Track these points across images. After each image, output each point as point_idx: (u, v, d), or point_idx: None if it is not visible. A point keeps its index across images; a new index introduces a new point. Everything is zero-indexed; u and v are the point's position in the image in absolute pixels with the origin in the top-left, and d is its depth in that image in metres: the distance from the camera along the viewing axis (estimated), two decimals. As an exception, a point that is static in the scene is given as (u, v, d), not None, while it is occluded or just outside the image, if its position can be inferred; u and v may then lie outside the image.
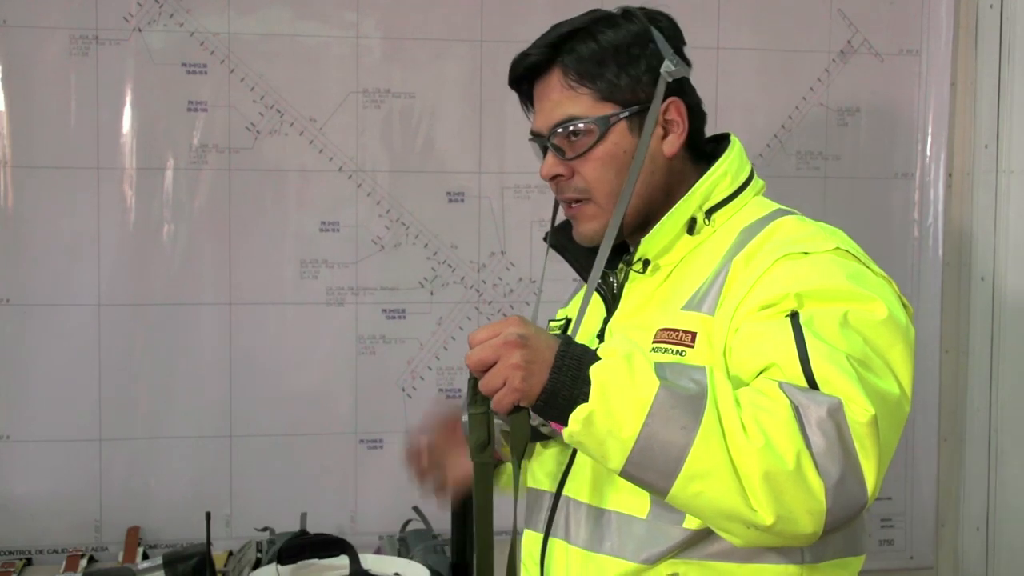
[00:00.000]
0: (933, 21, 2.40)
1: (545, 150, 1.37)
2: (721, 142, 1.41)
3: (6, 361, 2.13)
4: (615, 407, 1.10)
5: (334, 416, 2.24)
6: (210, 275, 2.18)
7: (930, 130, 2.41)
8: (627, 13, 1.36)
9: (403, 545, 2.11)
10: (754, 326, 1.20)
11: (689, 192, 1.33)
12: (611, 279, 1.39)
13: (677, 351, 1.25)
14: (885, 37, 2.39)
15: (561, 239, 1.43)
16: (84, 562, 2.10)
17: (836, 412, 1.08)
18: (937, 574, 2.46)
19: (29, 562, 2.13)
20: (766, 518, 1.08)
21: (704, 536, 1.24)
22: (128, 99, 2.14)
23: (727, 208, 1.34)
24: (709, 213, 1.33)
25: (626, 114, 1.32)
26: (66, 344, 2.14)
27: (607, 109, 1.32)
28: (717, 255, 1.30)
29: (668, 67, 1.32)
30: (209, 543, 1.83)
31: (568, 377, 1.12)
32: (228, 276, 2.19)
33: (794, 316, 1.18)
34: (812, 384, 1.12)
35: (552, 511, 1.36)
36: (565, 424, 1.12)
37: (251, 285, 2.20)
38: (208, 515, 1.80)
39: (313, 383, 2.23)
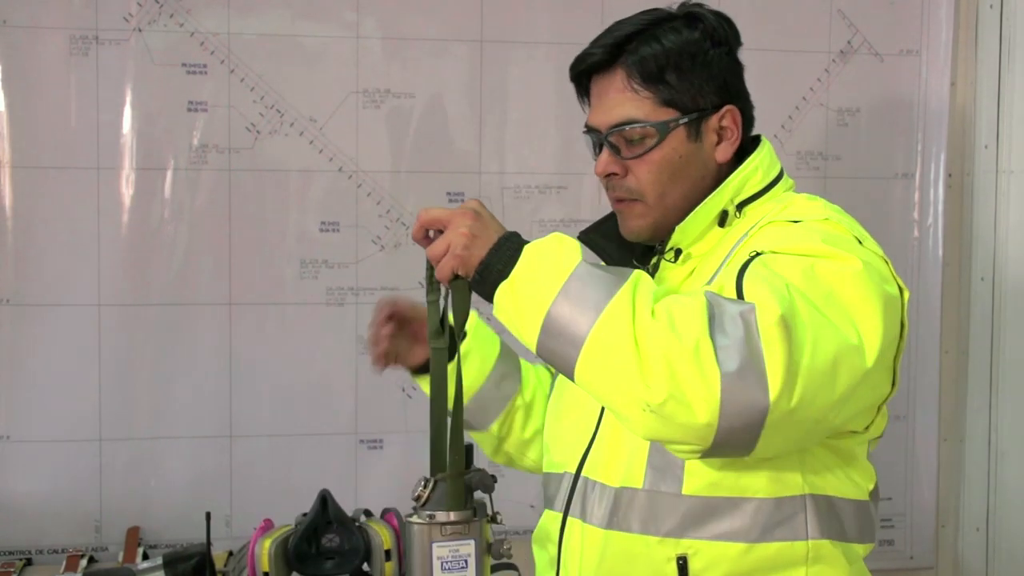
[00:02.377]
0: (933, 21, 2.40)
1: (599, 146, 1.38)
2: (752, 143, 1.43)
3: (6, 361, 2.12)
4: (536, 277, 1.15)
5: (334, 416, 2.24)
6: (210, 275, 2.18)
7: (930, 130, 2.41)
8: (689, 17, 1.38)
9: (403, 545, 2.10)
10: (722, 273, 1.25)
11: (721, 185, 1.35)
12: (645, 270, 1.41)
13: None
14: (885, 37, 2.39)
15: (594, 237, 1.44)
16: (84, 562, 2.09)
17: (747, 313, 1.10)
18: (937, 574, 2.46)
19: (29, 562, 2.13)
20: (658, 394, 1.08)
21: (711, 512, 1.26)
22: (128, 99, 2.14)
23: (758, 202, 1.36)
24: (740, 207, 1.35)
25: (685, 120, 1.33)
26: (66, 344, 2.14)
27: (667, 114, 1.33)
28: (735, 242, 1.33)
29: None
30: (209, 543, 1.82)
31: (506, 255, 1.18)
32: (228, 276, 2.19)
33: (754, 255, 1.21)
34: (740, 297, 1.15)
35: (571, 492, 1.38)
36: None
37: (251, 285, 2.20)
38: (208, 515, 1.79)
39: (313, 383, 2.23)
